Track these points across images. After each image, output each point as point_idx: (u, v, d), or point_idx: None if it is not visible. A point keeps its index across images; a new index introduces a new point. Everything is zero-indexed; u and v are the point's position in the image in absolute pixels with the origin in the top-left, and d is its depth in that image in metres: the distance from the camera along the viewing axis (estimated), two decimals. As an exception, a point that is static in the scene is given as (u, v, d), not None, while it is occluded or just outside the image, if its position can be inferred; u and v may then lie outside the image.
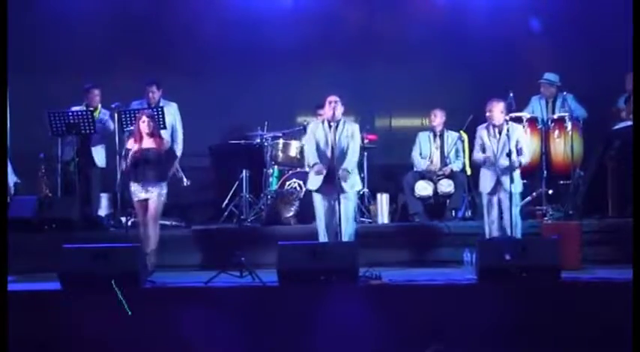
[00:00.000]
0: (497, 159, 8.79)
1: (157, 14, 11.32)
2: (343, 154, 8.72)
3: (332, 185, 8.60)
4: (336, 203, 8.50)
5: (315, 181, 8.78)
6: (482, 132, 9.00)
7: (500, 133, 8.87)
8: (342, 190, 8.61)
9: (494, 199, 8.87)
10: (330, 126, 8.73)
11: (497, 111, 8.87)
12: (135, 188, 8.64)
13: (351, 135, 8.79)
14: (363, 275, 8.09)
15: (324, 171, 8.67)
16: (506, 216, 8.74)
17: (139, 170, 8.59)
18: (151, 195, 8.61)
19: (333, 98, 8.76)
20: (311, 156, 8.91)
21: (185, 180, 9.80)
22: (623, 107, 10.26)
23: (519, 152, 8.83)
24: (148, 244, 8.59)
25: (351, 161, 8.77)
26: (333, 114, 8.71)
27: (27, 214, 9.72)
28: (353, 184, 8.79)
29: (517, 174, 8.88)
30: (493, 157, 8.82)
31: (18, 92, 10.56)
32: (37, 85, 11.10)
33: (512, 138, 8.88)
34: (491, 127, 8.92)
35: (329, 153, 8.68)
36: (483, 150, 8.97)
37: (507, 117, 9.08)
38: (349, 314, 7.44)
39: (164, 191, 8.70)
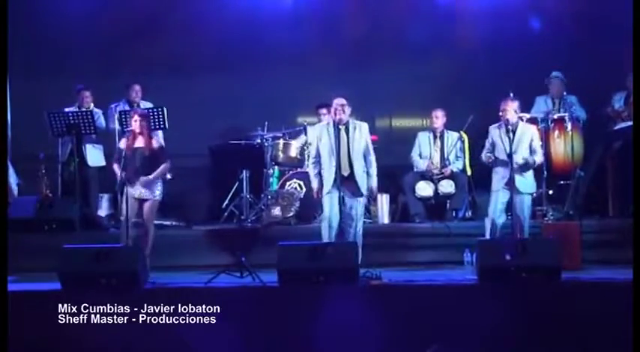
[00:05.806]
0: (512, 159, 8.57)
1: (157, 15, 11.31)
2: (360, 157, 8.61)
3: (350, 187, 8.57)
4: (344, 202, 8.48)
5: (327, 185, 8.63)
6: (493, 131, 8.83)
7: (514, 133, 8.67)
8: (359, 192, 8.60)
9: (503, 198, 8.70)
10: (338, 129, 8.58)
11: (511, 110, 8.71)
12: (128, 187, 8.56)
13: (365, 139, 8.66)
14: (363, 275, 8.09)
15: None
16: (516, 215, 8.62)
17: (129, 169, 8.54)
18: (144, 195, 8.59)
19: (339, 101, 8.59)
20: (312, 167, 8.78)
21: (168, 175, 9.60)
22: (621, 107, 10.25)
23: (533, 151, 8.78)
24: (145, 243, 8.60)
25: (374, 172, 8.68)
26: (340, 118, 8.59)
27: (27, 214, 9.71)
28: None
29: (530, 174, 8.82)
30: (507, 157, 8.60)
31: (18, 92, 10.56)
32: (37, 85, 11.10)
33: (526, 137, 8.79)
34: (503, 127, 8.72)
35: (334, 159, 8.51)
36: (493, 150, 8.83)
37: (522, 117, 9.02)
38: (349, 315, 7.44)
39: (157, 191, 8.67)
